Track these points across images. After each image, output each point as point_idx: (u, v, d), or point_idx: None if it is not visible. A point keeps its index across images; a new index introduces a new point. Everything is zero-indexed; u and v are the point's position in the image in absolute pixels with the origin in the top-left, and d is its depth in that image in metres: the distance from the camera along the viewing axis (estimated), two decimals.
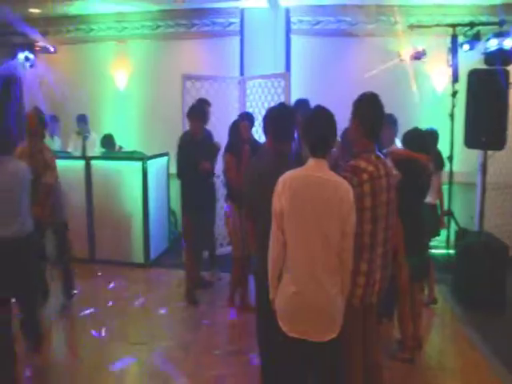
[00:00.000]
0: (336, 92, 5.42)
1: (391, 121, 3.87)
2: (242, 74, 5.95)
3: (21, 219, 3.15)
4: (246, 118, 4.43)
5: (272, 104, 5.27)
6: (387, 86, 5.23)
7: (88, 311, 4.34)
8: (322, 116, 2.28)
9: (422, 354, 3.57)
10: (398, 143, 4.01)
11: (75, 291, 4.55)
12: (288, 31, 6.00)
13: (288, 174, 2.22)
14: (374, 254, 2.39)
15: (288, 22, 6.02)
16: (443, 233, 5.00)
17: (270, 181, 2.34)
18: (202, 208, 4.47)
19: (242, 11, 6.11)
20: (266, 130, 3.13)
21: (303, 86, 5.61)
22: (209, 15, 6.39)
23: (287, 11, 6.02)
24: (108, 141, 5.95)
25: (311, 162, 2.20)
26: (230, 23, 6.35)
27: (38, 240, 3.52)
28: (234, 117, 5.06)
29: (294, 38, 6.00)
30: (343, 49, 5.95)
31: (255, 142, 4.41)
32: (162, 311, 4.37)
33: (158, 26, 6.59)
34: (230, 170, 4.15)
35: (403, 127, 3.79)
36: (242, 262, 4.22)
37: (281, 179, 2.22)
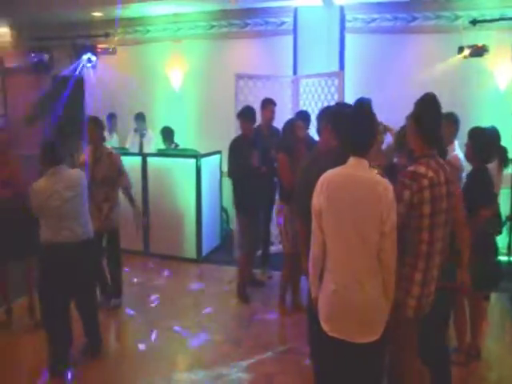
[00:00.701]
0: (392, 91, 5.34)
1: (452, 120, 3.75)
2: (295, 73, 5.95)
3: (81, 223, 3.32)
4: (302, 117, 4.41)
5: (325, 103, 5.26)
6: (446, 85, 5.11)
7: (140, 304, 4.48)
8: (362, 114, 2.25)
9: (481, 365, 3.41)
10: (457, 146, 3.89)
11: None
12: (342, 29, 5.94)
13: (327, 173, 2.21)
14: (430, 263, 2.31)
15: (342, 20, 5.96)
16: (504, 239, 4.79)
17: None
18: (256, 207, 4.52)
19: (296, 10, 6.11)
20: (320, 129, 3.13)
21: (357, 84, 5.52)
22: (262, 14, 6.43)
23: (341, 9, 5.96)
24: (167, 132, 6.20)
25: (351, 160, 2.17)
26: (283, 22, 6.35)
27: (98, 244, 3.72)
28: (286, 116, 5.08)
29: (348, 36, 5.93)
30: (399, 46, 5.81)
31: (311, 140, 4.41)
32: (214, 306, 4.45)
33: (212, 26, 6.70)
34: (282, 170, 4.14)
35: (464, 127, 3.66)
36: (292, 260, 4.23)
37: (322, 177, 2.21)
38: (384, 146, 3.40)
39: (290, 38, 6.10)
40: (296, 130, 4.18)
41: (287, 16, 6.23)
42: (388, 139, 3.40)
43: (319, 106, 5.42)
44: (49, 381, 3.20)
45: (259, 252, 5.07)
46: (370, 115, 2.25)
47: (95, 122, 4.29)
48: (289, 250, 4.19)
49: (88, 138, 4.26)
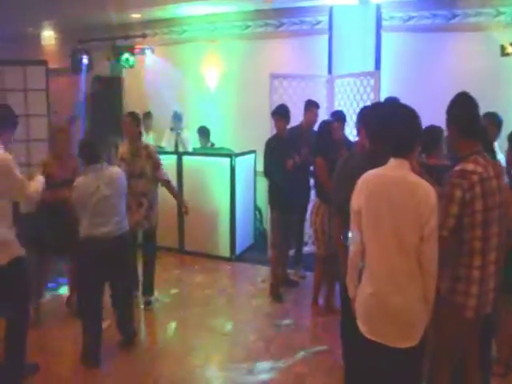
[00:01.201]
0: (430, 91, 5.24)
1: (494, 120, 3.64)
2: (330, 72, 5.93)
3: (118, 219, 3.44)
4: (337, 117, 4.39)
5: (361, 104, 5.22)
6: (487, 85, 4.98)
7: (174, 300, 4.59)
8: (403, 114, 2.21)
9: None
10: (497, 148, 3.78)
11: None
12: (378, 28, 5.87)
13: (368, 173, 2.19)
14: (486, 259, 2.26)
15: (379, 19, 5.88)
16: None
17: None
18: (290, 207, 4.54)
19: (331, 9, 6.07)
20: (358, 130, 3.12)
21: (394, 84, 5.44)
22: (297, 14, 6.41)
23: (378, 7, 5.88)
24: (204, 131, 6.32)
25: (392, 161, 2.14)
26: (319, 21, 6.32)
27: (133, 240, 3.83)
28: (321, 116, 5.08)
29: (384, 35, 5.85)
30: (438, 45, 5.66)
31: (348, 141, 4.39)
32: (246, 305, 4.51)
33: (248, 26, 6.74)
34: (321, 173, 4.12)
35: (506, 128, 3.56)
36: (325, 262, 4.24)
37: (361, 178, 2.20)
38: None
39: (325, 38, 6.07)
40: (332, 131, 4.16)
41: (322, 15, 6.20)
42: None
43: (354, 106, 5.39)
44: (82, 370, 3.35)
45: (292, 252, 5.09)
46: (413, 114, 2.20)
47: (132, 116, 4.35)
48: (322, 252, 4.20)
49: (125, 133, 4.35)
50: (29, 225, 3.90)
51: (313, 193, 5.01)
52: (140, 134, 4.50)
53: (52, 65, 7.71)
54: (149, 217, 4.27)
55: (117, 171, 3.53)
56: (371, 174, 2.19)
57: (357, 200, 2.18)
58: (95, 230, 3.34)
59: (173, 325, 4.15)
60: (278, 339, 3.84)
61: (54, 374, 3.30)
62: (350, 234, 2.28)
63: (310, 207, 4.74)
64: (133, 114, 4.39)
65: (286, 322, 4.15)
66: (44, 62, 7.53)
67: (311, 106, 5.01)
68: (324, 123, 4.30)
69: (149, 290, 4.45)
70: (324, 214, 4.14)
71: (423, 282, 2.10)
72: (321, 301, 4.39)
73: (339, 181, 2.94)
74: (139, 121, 4.48)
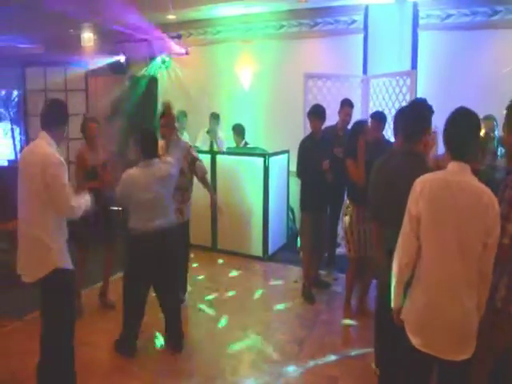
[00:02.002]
0: (470, 91, 5.10)
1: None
2: (364, 72, 5.88)
3: (166, 215, 3.51)
4: (378, 118, 4.36)
5: (396, 104, 5.16)
6: None
7: (207, 298, 4.63)
8: (463, 116, 2.13)
9: None
10: None
11: None
12: (415, 26, 5.78)
13: (427, 177, 2.12)
14: None
15: (415, 17, 5.79)
16: None
17: (401, 183, 2.30)
18: (322, 208, 4.54)
19: (367, 8, 6.02)
20: (396, 130, 3.09)
21: (430, 84, 5.35)
22: (332, 13, 6.37)
23: (415, 5, 5.79)
24: (239, 129, 6.38)
25: (452, 165, 2.07)
26: (354, 21, 6.26)
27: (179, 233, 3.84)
28: (356, 116, 5.05)
29: (421, 34, 5.75)
30: (478, 43, 5.51)
31: (387, 142, 4.34)
32: (278, 305, 4.52)
33: (282, 26, 6.74)
34: (352, 175, 4.09)
35: None
36: (357, 264, 4.22)
37: (419, 181, 2.12)
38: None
39: (360, 37, 6.04)
40: (365, 132, 4.13)
41: (358, 14, 6.15)
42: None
43: (390, 106, 5.33)
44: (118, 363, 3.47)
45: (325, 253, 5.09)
46: (472, 117, 2.12)
47: (170, 117, 4.35)
48: (353, 254, 4.18)
49: (160, 130, 4.34)
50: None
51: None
52: (175, 130, 4.57)
53: (91, 65, 7.96)
54: (182, 210, 4.30)
55: (167, 167, 3.54)
56: (431, 178, 2.11)
57: (415, 205, 2.09)
58: (145, 225, 3.40)
59: (204, 323, 4.21)
60: (309, 340, 3.83)
61: (91, 367, 3.40)
62: (399, 241, 2.18)
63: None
64: (167, 107, 4.45)
65: (318, 323, 4.15)
66: (84, 63, 7.78)
67: (343, 105, 5.00)
68: (356, 124, 4.24)
69: (181, 287, 4.48)
70: (353, 214, 4.12)
71: (480, 290, 2.04)
72: (353, 303, 4.36)
73: (376, 184, 2.93)
74: (174, 118, 4.54)
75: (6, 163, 8.79)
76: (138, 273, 3.49)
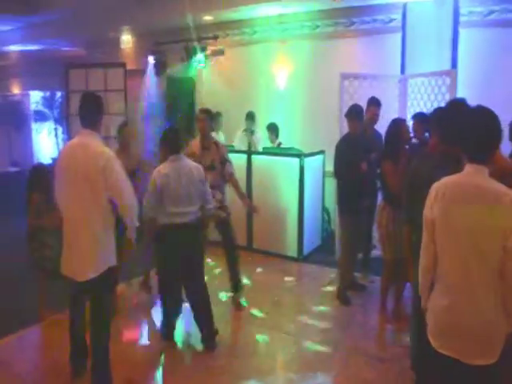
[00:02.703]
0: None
1: None
2: (402, 72, 5.78)
3: (193, 210, 3.61)
4: (419, 119, 4.29)
5: (435, 104, 5.06)
6: None
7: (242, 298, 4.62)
8: (482, 116, 2.08)
9: None
10: None
11: None
12: (455, 24, 5.62)
13: (442, 181, 2.09)
14: None
15: (456, 15, 5.63)
16: None
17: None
18: (359, 209, 4.51)
19: (405, 6, 5.90)
20: (431, 132, 3.05)
21: (472, 84, 5.20)
22: (369, 12, 6.30)
23: (455, 2, 5.63)
24: (273, 128, 6.44)
25: (469, 167, 2.03)
26: (391, 19, 6.17)
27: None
28: (392, 117, 4.97)
29: (462, 32, 5.59)
30: None
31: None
32: (313, 306, 4.53)
33: (318, 26, 6.72)
34: (388, 177, 4.03)
35: None
36: (392, 266, 4.19)
37: (434, 186, 2.10)
38: None
39: (398, 36, 5.91)
40: (402, 132, 4.07)
41: (396, 13, 6.05)
42: None
43: (428, 106, 5.23)
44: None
45: (360, 255, 5.07)
46: (490, 117, 2.06)
47: (206, 113, 4.50)
48: (389, 256, 4.14)
49: (198, 128, 4.49)
50: None
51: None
52: (212, 129, 4.68)
53: (129, 66, 8.16)
54: (223, 207, 4.43)
55: (194, 163, 3.71)
56: (446, 181, 2.09)
57: (430, 210, 2.10)
58: (173, 218, 3.52)
59: (237, 321, 4.27)
60: (344, 343, 3.83)
61: (130, 362, 3.53)
62: (421, 245, 2.19)
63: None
64: (206, 111, 4.56)
65: (353, 326, 4.14)
66: (123, 64, 7.99)
67: (371, 103, 4.95)
68: (393, 123, 4.15)
69: (236, 288, 4.55)
70: (388, 216, 4.07)
71: (504, 294, 2.00)
72: (389, 306, 4.32)
73: (410, 187, 2.91)
74: (212, 117, 4.68)
75: (50, 161, 9.14)
76: (169, 264, 3.63)
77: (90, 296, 3.01)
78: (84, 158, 2.77)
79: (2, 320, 4.11)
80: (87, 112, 2.90)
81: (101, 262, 2.86)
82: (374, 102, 4.95)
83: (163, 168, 3.56)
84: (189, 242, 3.61)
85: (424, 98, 5.33)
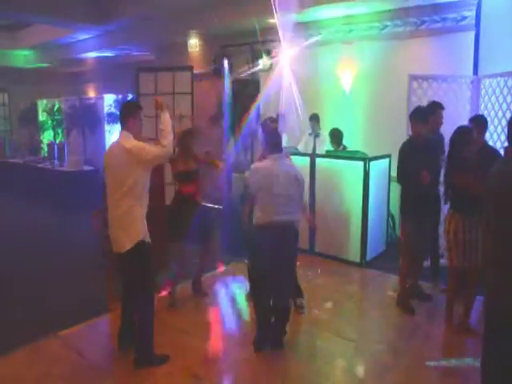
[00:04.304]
0: None
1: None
2: (475, 72, 5.54)
3: (291, 209, 3.64)
4: (477, 124, 4.11)
5: None
6: None
7: (302, 300, 4.55)
8: None
9: None
10: None
11: None
12: None
13: None
14: None
15: None
16: None
17: None
18: (423, 215, 4.35)
19: (479, 2, 5.65)
20: (510, 136, 2.91)
21: None
22: (440, 10, 6.07)
23: None
24: (336, 134, 6.35)
25: None
26: (464, 17, 5.91)
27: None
28: (464, 121, 4.78)
29: None
30: None
31: (491, 149, 4.09)
32: (375, 313, 4.47)
33: (386, 26, 6.57)
34: (463, 186, 3.84)
35: None
36: (458, 275, 4.02)
37: None
38: None
39: (470, 35, 5.68)
40: (469, 141, 3.88)
41: (468, 10, 5.80)
42: None
43: (504, 108, 4.97)
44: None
45: (427, 263, 4.91)
46: None
47: (273, 120, 4.57)
48: (456, 263, 3.97)
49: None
50: (170, 214, 4.53)
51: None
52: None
53: (196, 70, 8.40)
54: None
55: (292, 164, 3.78)
56: None
57: None
58: (270, 217, 3.56)
59: (298, 325, 4.25)
60: (407, 353, 3.73)
61: (193, 357, 3.64)
62: None
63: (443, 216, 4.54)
64: (272, 119, 4.59)
65: (417, 336, 4.02)
66: (190, 68, 8.23)
67: (438, 107, 4.73)
68: (459, 131, 3.95)
69: (296, 292, 4.47)
70: (457, 223, 3.91)
71: None
72: (456, 317, 4.13)
73: (493, 194, 2.78)
74: (277, 124, 4.70)
75: None
76: (262, 262, 3.62)
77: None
78: (115, 152, 3.39)
79: (74, 308, 4.45)
80: (120, 117, 3.50)
81: (130, 234, 3.36)
82: (441, 107, 4.75)
83: (265, 165, 3.62)
84: (283, 245, 3.61)
85: (500, 100, 5.06)
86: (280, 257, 3.61)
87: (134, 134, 3.41)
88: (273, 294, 3.74)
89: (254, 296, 3.87)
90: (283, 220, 3.58)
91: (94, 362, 3.63)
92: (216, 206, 5.31)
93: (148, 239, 3.45)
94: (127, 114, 3.45)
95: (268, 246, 3.56)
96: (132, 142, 3.34)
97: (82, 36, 10.64)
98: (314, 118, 6.67)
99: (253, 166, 3.71)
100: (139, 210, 3.37)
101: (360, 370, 3.55)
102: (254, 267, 3.74)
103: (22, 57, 13.63)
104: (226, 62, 8.23)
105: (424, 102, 5.19)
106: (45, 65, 13.75)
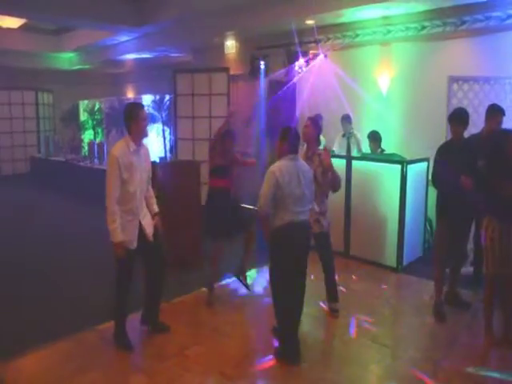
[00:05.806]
0: None
1: None
2: None
3: (307, 210, 3.71)
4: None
5: None
6: None
7: (337, 305, 4.51)
8: None
9: None
10: None
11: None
12: None
13: None
14: None
15: None
16: None
17: None
18: (459, 217, 4.25)
19: None
20: None
21: None
22: (483, 9, 5.90)
23: None
24: (374, 136, 6.28)
25: None
26: (509, 16, 5.73)
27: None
28: (508, 125, 4.64)
29: None
30: None
31: None
32: (411, 320, 4.40)
33: (424, 27, 6.44)
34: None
35: None
36: (494, 282, 3.89)
37: None
38: None
39: None
40: (509, 146, 3.75)
41: None
42: None
43: None
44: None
45: (468, 270, 4.78)
46: None
47: (313, 122, 4.43)
48: (491, 270, 3.84)
49: (303, 136, 4.30)
50: (206, 210, 4.70)
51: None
52: (318, 140, 4.57)
53: (232, 71, 8.48)
54: (319, 221, 4.31)
55: (307, 165, 3.82)
56: None
57: None
58: (293, 216, 3.58)
59: (332, 329, 4.26)
60: (446, 362, 3.64)
61: (226, 356, 3.70)
62: None
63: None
64: (314, 120, 4.49)
65: (455, 345, 3.92)
66: (226, 69, 8.33)
67: (497, 111, 4.50)
68: (500, 135, 3.85)
69: (332, 296, 4.47)
70: (494, 228, 3.79)
71: None
72: (496, 329, 3.97)
73: None
74: (320, 128, 4.58)
75: (157, 160, 9.83)
76: (286, 262, 3.59)
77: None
78: None
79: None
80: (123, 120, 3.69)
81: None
82: (501, 110, 4.50)
83: (282, 165, 3.61)
84: (306, 241, 3.68)
85: None
86: (305, 259, 3.65)
87: (135, 136, 3.63)
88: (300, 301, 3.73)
89: (280, 303, 3.70)
90: (304, 220, 3.65)
91: (129, 355, 3.77)
92: (252, 207, 5.36)
93: None
94: (126, 120, 3.64)
95: (296, 247, 3.60)
96: (111, 153, 3.55)
97: (123, 38, 10.94)
98: (345, 119, 6.62)
99: (271, 169, 3.61)
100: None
101: (394, 378, 3.49)
102: (281, 271, 3.65)
103: (66, 59, 14.17)
104: (262, 64, 8.26)
105: (464, 105, 5.09)
106: (87, 66, 14.24)
